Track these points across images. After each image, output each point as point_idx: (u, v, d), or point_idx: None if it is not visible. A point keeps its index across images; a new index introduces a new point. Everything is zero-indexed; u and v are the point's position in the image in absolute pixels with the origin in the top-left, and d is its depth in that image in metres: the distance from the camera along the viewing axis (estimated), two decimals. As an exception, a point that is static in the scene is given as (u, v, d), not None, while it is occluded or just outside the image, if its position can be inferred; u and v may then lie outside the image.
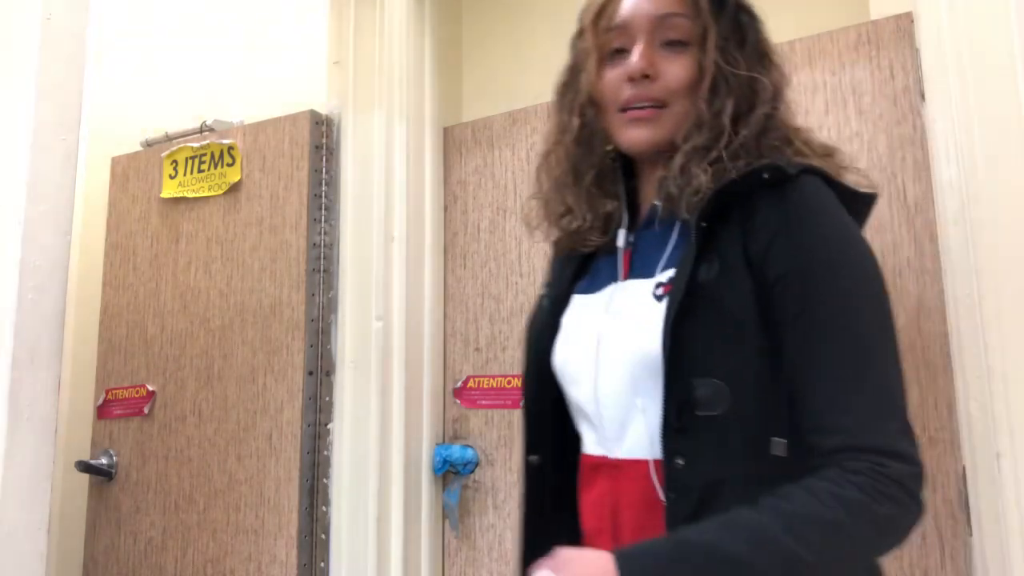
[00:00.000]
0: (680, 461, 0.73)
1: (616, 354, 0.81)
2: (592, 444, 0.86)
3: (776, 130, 0.82)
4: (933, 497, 1.20)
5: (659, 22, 0.83)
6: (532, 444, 0.92)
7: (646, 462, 0.78)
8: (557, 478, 0.91)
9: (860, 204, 0.81)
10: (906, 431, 0.69)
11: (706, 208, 0.76)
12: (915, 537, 1.20)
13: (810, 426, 0.70)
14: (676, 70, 0.83)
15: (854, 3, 1.50)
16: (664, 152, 0.83)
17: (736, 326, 0.73)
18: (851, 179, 0.81)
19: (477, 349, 1.70)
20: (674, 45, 0.83)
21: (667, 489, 0.74)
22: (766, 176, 0.75)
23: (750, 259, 0.74)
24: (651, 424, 0.77)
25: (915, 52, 1.28)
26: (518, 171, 1.71)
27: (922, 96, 1.25)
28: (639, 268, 0.85)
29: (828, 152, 0.83)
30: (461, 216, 1.77)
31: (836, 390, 0.69)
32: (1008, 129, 1.06)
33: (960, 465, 1.18)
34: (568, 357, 0.88)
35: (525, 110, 1.71)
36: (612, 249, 0.90)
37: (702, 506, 0.72)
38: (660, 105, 0.83)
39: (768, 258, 0.73)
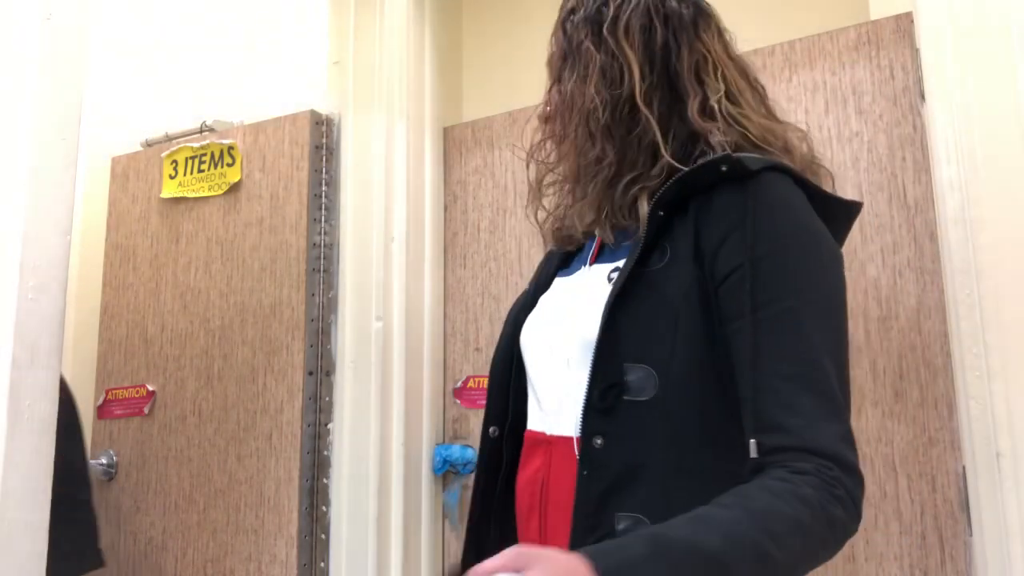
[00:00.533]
0: (599, 441, 0.74)
1: (564, 333, 0.83)
2: (536, 420, 0.87)
3: (679, 108, 0.80)
4: (933, 497, 1.20)
5: (548, 68, 0.90)
6: (492, 417, 0.94)
7: (572, 440, 0.79)
8: (514, 452, 0.92)
9: (837, 209, 0.79)
10: (848, 439, 0.67)
11: (663, 197, 0.76)
12: (915, 537, 1.20)
13: (753, 424, 0.69)
14: (553, 98, 0.88)
15: (854, 3, 1.50)
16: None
17: (674, 316, 0.73)
18: (828, 185, 0.81)
19: (477, 349, 1.70)
20: (557, 80, 0.88)
21: (580, 466, 0.75)
22: (724, 169, 0.74)
23: (701, 252, 0.74)
24: (579, 403, 0.78)
25: (915, 52, 1.28)
26: (518, 171, 1.70)
27: (922, 96, 1.25)
28: (607, 255, 0.87)
29: (788, 148, 0.81)
30: (461, 216, 1.77)
31: (782, 390, 0.68)
32: (1008, 129, 1.06)
33: (960, 465, 1.18)
34: (531, 334, 0.90)
35: (525, 110, 1.71)
36: (594, 237, 0.92)
37: (614, 487, 0.73)
38: (558, 137, 0.88)
39: (720, 253, 0.73)
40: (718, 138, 0.77)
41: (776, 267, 0.70)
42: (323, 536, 1.60)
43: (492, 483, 0.93)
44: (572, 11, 0.87)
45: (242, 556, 1.64)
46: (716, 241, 0.73)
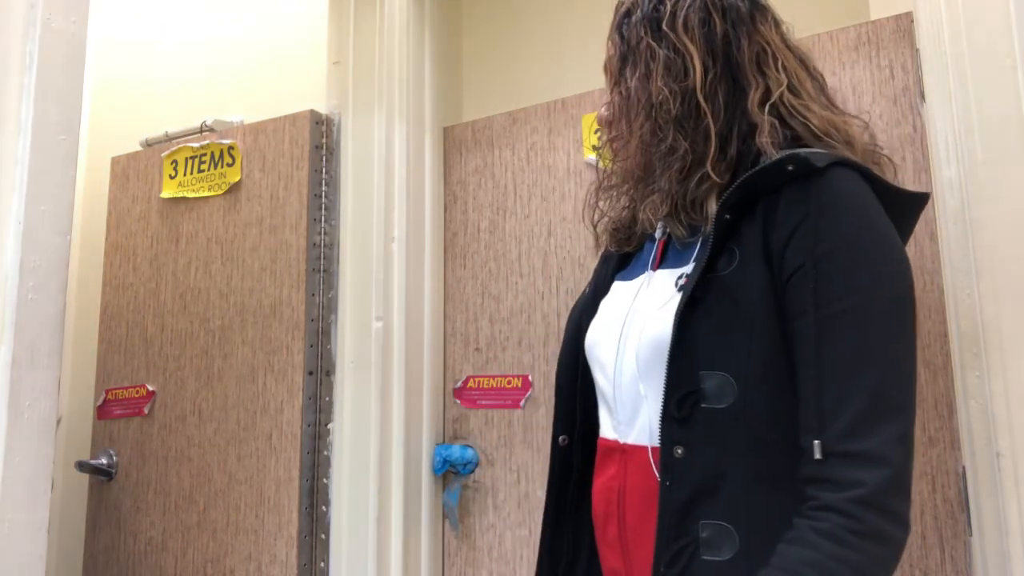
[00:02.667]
0: (679, 451, 0.74)
1: (632, 341, 0.82)
2: (608, 428, 0.87)
3: (742, 106, 0.81)
4: (933, 497, 1.20)
5: (605, 71, 0.91)
6: (561, 425, 0.94)
7: (646, 448, 0.79)
8: (583, 460, 0.92)
9: (904, 202, 0.79)
10: (901, 438, 0.66)
11: (728, 200, 0.76)
12: (915, 537, 1.20)
13: (803, 425, 0.69)
14: (615, 100, 0.88)
15: (854, 3, 1.50)
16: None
17: (749, 321, 0.72)
18: (890, 174, 0.81)
19: (477, 349, 1.70)
20: (617, 81, 0.88)
21: (663, 476, 0.74)
22: (790, 168, 0.73)
23: (770, 253, 0.73)
24: (651, 412, 0.78)
25: (915, 52, 1.28)
26: (518, 171, 1.71)
27: (922, 96, 1.25)
28: (671, 259, 0.86)
29: (850, 140, 0.80)
30: (461, 216, 1.77)
31: (829, 390, 0.67)
32: (1008, 129, 1.06)
33: (960, 465, 1.18)
34: (596, 340, 0.89)
35: (525, 110, 1.71)
36: (655, 239, 0.92)
37: (697, 496, 0.73)
38: (623, 138, 0.87)
39: (787, 251, 0.72)
40: (765, 136, 0.77)
41: (838, 265, 0.69)
42: (323, 536, 1.60)
43: (564, 490, 0.93)
44: (627, 14, 0.87)
45: (242, 556, 1.64)
46: (783, 240, 0.72)
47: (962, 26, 1.11)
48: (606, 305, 0.92)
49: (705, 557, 0.72)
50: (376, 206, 1.64)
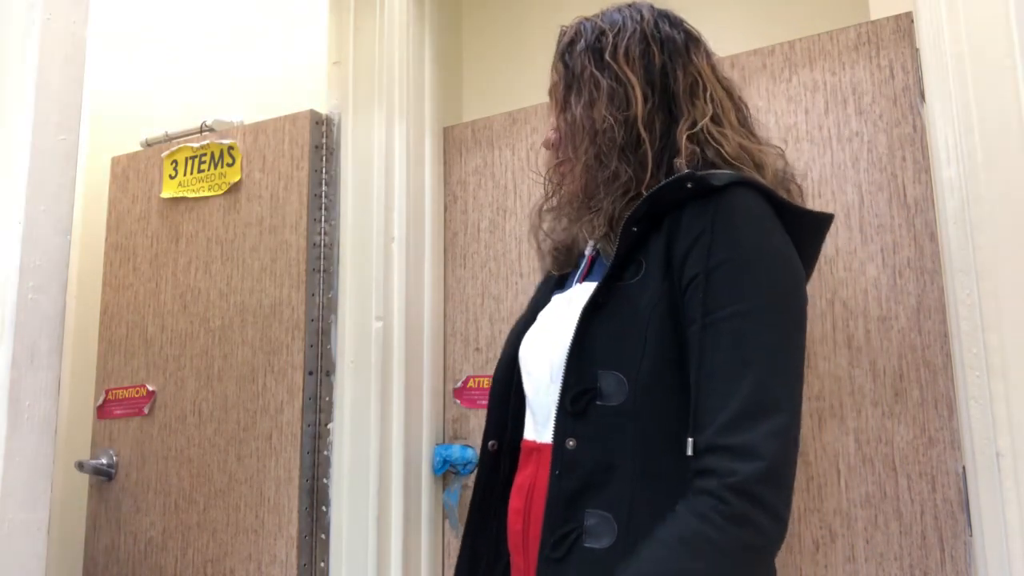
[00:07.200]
0: (571, 442, 0.78)
1: (550, 344, 0.88)
2: (530, 430, 0.92)
3: (665, 140, 0.85)
4: (933, 497, 1.20)
5: (550, 97, 0.95)
6: (491, 431, 0.99)
7: (550, 445, 0.83)
8: (511, 466, 0.96)
9: (806, 221, 0.82)
10: (775, 434, 0.69)
11: (634, 214, 0.80)
12: (915, 537, 1.20)
13: (691, 421, 0.73)
14: (560, 125, 0.92)
15: (854, 3, 1.50)
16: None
17: (643, 326, 0.77)
18: (797, 200, 0.85)
19: (477, 349, 1.70)
20: (563, 108, 0.91)
21: (553, 466, 0.79)
22: (689, 185, 0.77)
23: (671, 264, 0.78)
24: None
25: (915, 52, 1.28)
26: (518, 171, 1.70)
27: (922, 96, 1.25)
28: (595, 273, 0.91)
29: (761, 164, 0.85)
30: (461, 216, 1.77)
31: (711, 392, 0.71)
32: (1008, 129, 1.06)
33: (960, 465, 1.18)
34: (526, 349, 0.94)
35: (525, 110, 1.71)
36: (585, 256, 0.98)
37: (586, 486, 0.77)
38: (570, 162, 0.91)
39: (686, 264, 0.76)
40: (683, 159, 0.82)
41: (726, 276, 0.74)
42: (323, 536, 1.60)
43: (490, 493, 0.97)
44: (571, 43, 0.91)
45: (242, 556, 1.64)
46: (682, 253, 0.77)
47: (962, 26, 1.11)
48: (541, 316, 0.97)
49: (587, 544, 0.76)
50: (376, 206, 1.64)
